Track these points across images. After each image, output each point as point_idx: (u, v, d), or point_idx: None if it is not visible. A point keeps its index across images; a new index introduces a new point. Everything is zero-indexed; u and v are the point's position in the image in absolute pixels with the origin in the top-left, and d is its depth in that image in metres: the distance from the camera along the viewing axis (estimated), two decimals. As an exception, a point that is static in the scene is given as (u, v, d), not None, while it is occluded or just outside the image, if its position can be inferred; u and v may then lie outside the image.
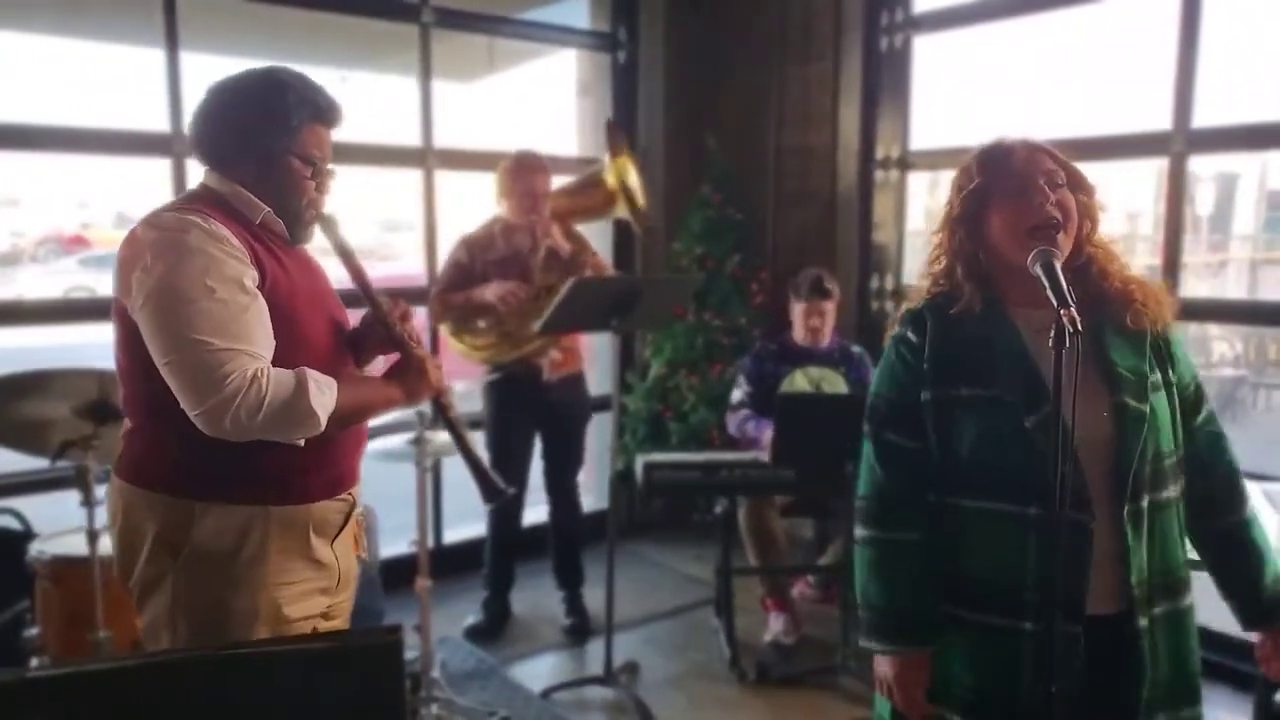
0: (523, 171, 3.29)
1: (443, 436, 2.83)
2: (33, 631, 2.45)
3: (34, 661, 2.38)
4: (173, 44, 3.24)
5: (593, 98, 4.56)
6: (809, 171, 4.31)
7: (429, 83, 3.85)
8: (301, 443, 1.57)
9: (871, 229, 4.20)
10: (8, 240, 15.12)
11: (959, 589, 1.49)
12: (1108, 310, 1.48)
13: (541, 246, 3.31)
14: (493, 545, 3.56)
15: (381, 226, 14.64)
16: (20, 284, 12.74)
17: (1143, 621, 1.43)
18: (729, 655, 3.23)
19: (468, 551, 3.86)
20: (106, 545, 1.76)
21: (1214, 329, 8.72)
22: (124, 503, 1.61)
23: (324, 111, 1.66)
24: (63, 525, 2.62)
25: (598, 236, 4.23)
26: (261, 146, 1.61)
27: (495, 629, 3.51)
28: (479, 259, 3.31)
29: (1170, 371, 1.50)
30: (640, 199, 3.52)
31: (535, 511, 3.75)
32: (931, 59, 4.13)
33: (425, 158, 3.86)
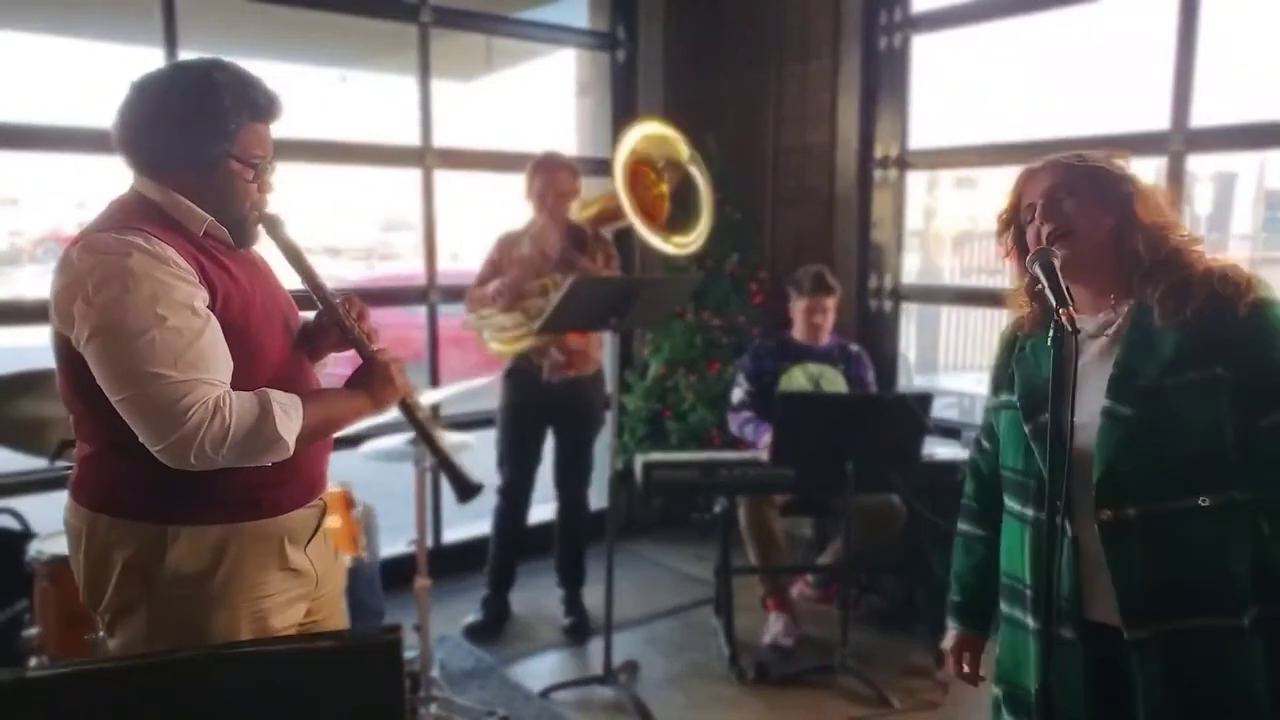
0: (539, 170, 3.32)
1: (439, 436, 2.83)
2: (31, 631, 2.44)
3: (33, 661, 2.37)
4: (171, 44, 3.23)
5: (591, 97, 4.56)
6: (807, 171, 4.32)
7: (428, 82, 3.84)
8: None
9: (870, 228, 4.20)
10: (7, 240, 15.11)
11: (1000, 585, 1.59)
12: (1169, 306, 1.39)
13: (533, 245, 3.31)
14: (496, 542, 3.56)
15: (381, 226, 14.65)
16: (19, 284, 12.73)
17: (1130, 636, 1.37)
18: (728, 654, 3.23)
19: (467, 551, 3.86)
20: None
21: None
22: (87, 529, 1.54)
23: (263, 109, 1.56)
24: (61, 525, 2.62)
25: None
26: (199, 152, 1.51)
27: (495, 628, 3.51)
28: (506, 256, 3.38)
29: (1222, 366, 1.34)
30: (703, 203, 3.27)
31: (540, 510, 3.76)
32: (930, 58, 4.13)
33: (424, 157, 3.85)
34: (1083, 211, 1.44)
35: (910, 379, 6.99)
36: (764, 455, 3.19)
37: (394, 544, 3.57)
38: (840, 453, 3.00)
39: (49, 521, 2.76)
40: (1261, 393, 1.35)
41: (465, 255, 5.81)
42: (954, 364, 7.73)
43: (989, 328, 7.83)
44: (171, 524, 1.50)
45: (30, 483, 3.04)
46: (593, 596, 3.43)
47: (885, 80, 4.11)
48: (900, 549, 3.42)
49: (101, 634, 2.25)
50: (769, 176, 4.44)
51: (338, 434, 1.67)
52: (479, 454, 3.42)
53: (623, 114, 4.39)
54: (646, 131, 3.31)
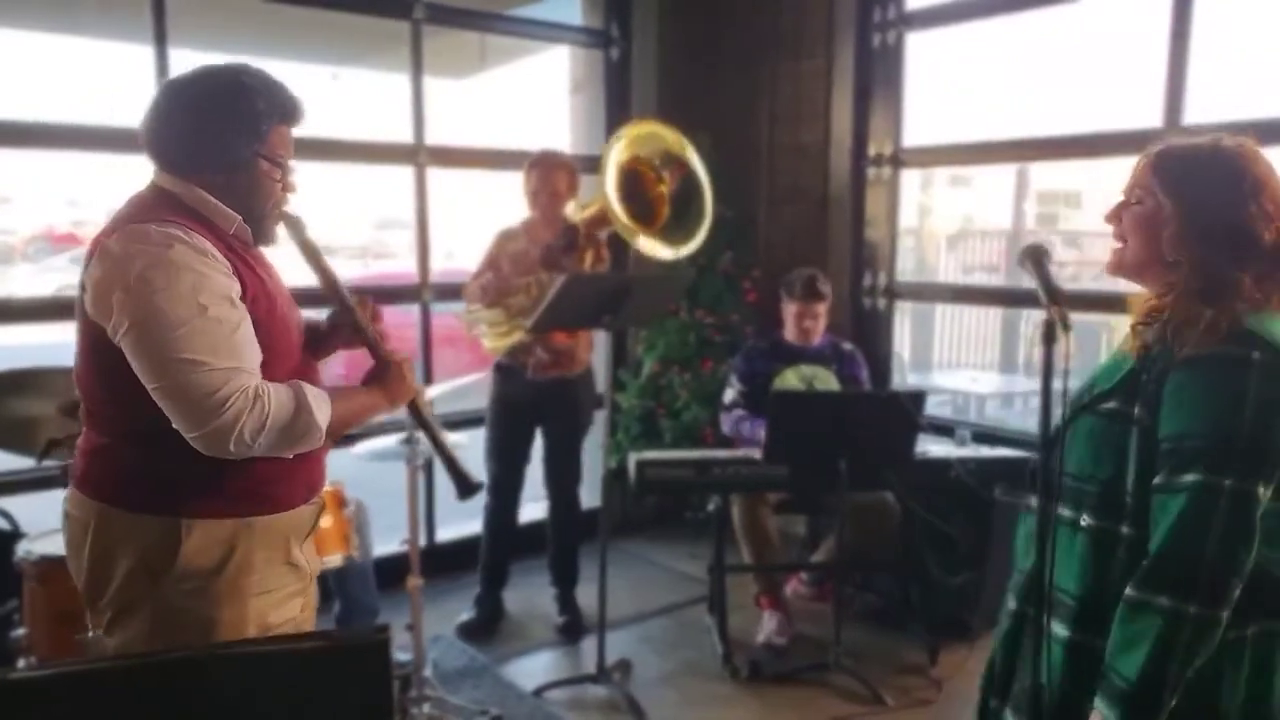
0: (535, 168, 3.32)
1: (443, 435, 2.82)
2: (20, 632, 2.44)
3: (21, 662, 2.36)
4: (161, 41, 3.22)
5: (585, 95, 4.55)
6: (801, 169, 4.31)
7: (420, 79, 3.83)
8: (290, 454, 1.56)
9: (864, 226, 4.20)
10: (-1, 238, 15.06)
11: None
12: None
13: (522, 242, 3.30)
14: (487, 539, 3.56)
15: (376, 225, 14.62)
16: (12, 283, 12.69)
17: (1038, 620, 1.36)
18: (722, 652, 3.22)
19: (461, 550, 3.85)
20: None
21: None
22: (96, 522, 1.54)
23: (290, 112, 1.62)
24: (50, 525, 2.61)
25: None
26: (231, 152, 1.56)
27: (488, 627, 3.50)
28: (501, 251, 3.37)
29: (1141, 409, 1.31)
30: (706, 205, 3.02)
31: (533, 509, 3.75)
32: (924, 56, 4.13)
33: (417, 155, 3.84)
34: (1134, 227, 1.39)
35: (904, 377, 7.00)
36: (758, 453, 3.19)
37: (388, 543, 3.56)
38: (834, 451, 3.00)
39: (37, 521, 2.75)
40: (1156, 450, 1.29)
41: (459, 254, 5.79)
42: (948, 362, 7.74)
43: (984, 326, 7.84)
44: (185, 518, 1.52)
45: (18, 482, 3.02)
46: (586, 595, 3.43)
47: (879, 78, 4.10)
48: (894, 547, 3.42)
49: (93, 633, 2.26)
50: (763, 174, 4.44)
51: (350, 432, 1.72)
52: (473, 452, 3.43)
53: (617, 112, 4.38)
54: (639, 133, 3.22)
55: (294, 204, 1.70)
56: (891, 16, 4.04)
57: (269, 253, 1.72)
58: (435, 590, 3.53)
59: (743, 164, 4.40)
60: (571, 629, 3.50)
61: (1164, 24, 3.20)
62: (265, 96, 1.57)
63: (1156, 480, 1.27)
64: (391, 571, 3.24)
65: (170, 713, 1.22)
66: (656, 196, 3.11)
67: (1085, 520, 1.35)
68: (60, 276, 12.06)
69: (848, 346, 3.67)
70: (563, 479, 3.55)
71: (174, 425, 1.45)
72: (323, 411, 1.54)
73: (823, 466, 3.03)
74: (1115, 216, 1.42)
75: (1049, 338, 1.30)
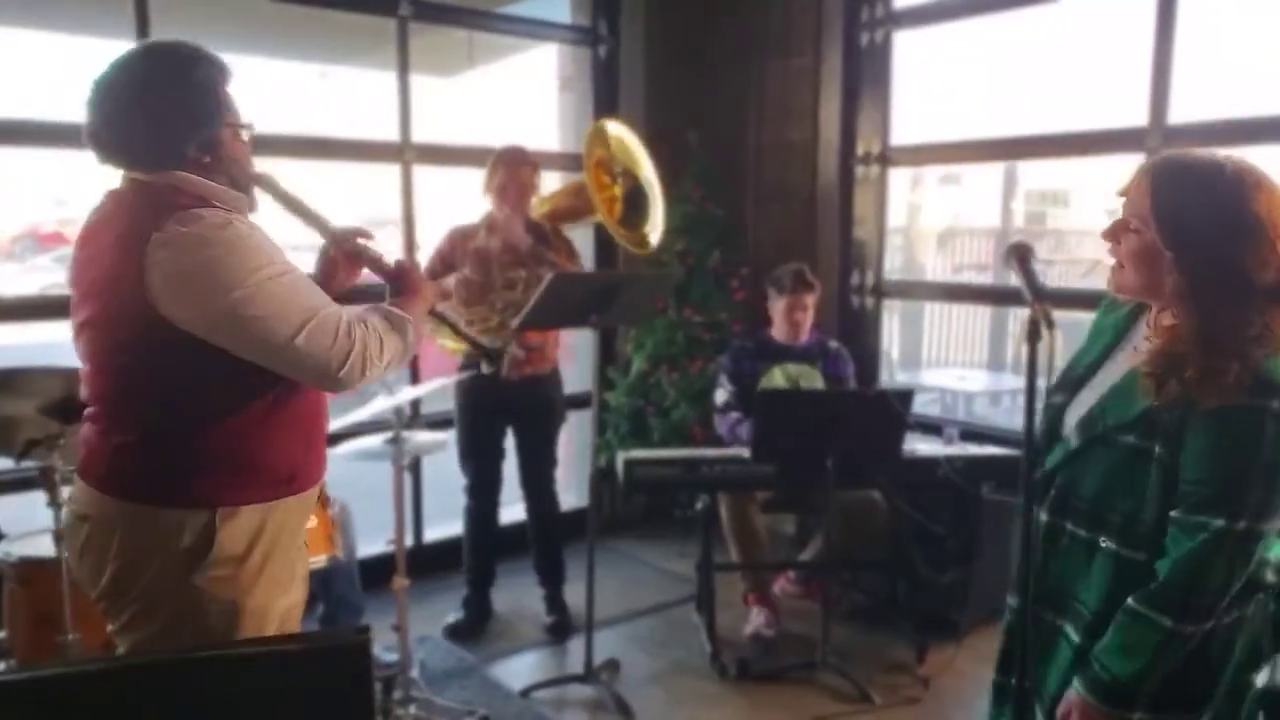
0: (502, 165, 3.29)
1: (420, 435, 2.81)
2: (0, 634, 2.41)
3: (1, 665, 2.34)
4: (144, 37, 3.19)
5: (574, 92, 4.54)
6: (789, 167, 4.31)
7: (407, 77, 3.81)
8: (301, 431, 1.61)
9: (852, 225, 4.20)
10: (-18, 236, 14.92)
11: None
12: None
13: (499, 239, 3.27)
14: (469, 544, 3.54)
15: (365, 222, 14.52)
16: (-3, 281, 12.59)
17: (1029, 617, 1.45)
18: (710, 651, 3.22)
19: (449, 550, 3.83)
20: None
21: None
22: (127, 523, 1.52)
23: (226, 68, 1.58)
24: (30, 526, 2.59)
25: (578, 231, 4.21)
26: (206, 128, 1.53)
27: (476, 627, 3.49)
28: (460, 248, 3.33)
29: (1162, 448, 1.36)
30: (655, 207, 3.27)
31: (518, 509, 3.73)
32: (912, 55, 4.13)
33: (403, 152, 3.83)
34: (1130, 259, 1.38)
35: (893, 375, 7.01)
36: (746, 453, 3.18)
37: (374, 544, 3.54)
38: (821, 449, 2.99)
39: (17, 522, 2.73)
40: (1175, 486, 1.36)
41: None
42: (937, 360, 7.75)
43: (972, 324, 7.86)
44: (221, 506, 1.53)
45: (-1, 483, 2.99)
46: (575, 594, 3.42)
47: (867, 77, 4.11)
48: (882, 545, 3.42)
49: (71, 636, 2.24)
50: (751, 173, 4.43)
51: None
52: (453, 452, 3.41)
53: (604, 109, 4.37)
54: (619, 134, 3.33)
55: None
56: (879, 15, 4.04)
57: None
58: (423, 590, 3.51)
59: (731, 162, 4.40)
60: (560, 629, 3.48)
61: (1149, 23, 3.21)
62: (207, 62, 1.54)
63: (1174, 514, 1.35)
64: (378, 572, 3.23)
65: (149, 716, 1.21)
66: (609, 198, 3.26)
67: (1105, 543, 1.42)
68: (46, 276, 11.97)
69: (834, 344, 3.67)
70: (540, 479, 3.53)
71: (307, 381, 1.53)
72: (398, 313, 1.62)
73: (810, 465, 3.03)
74: (1114, 236, 1.41)
75: (1033, 336, 1.30)
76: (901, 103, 4.12)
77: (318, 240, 1.80)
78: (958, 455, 3.32)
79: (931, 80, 5.20)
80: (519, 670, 3.21)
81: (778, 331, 3.60)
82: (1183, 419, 1.33)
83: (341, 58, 5.65)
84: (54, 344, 3.26)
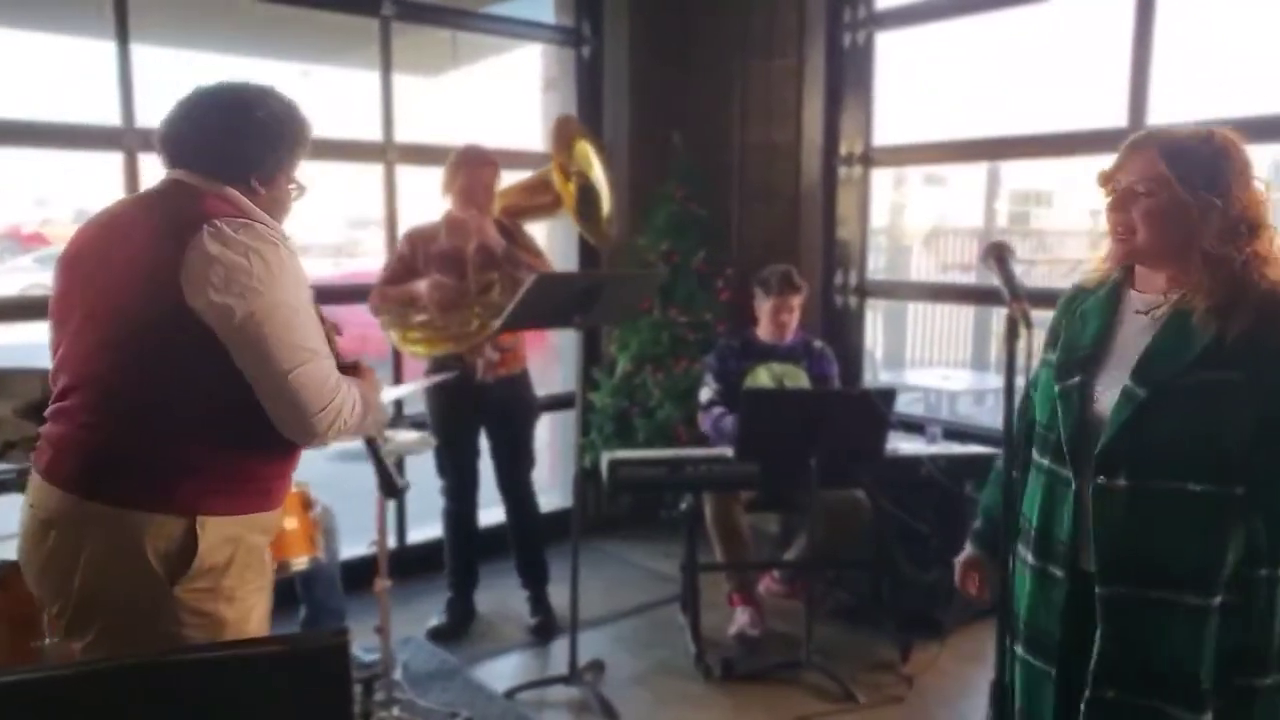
0: (464, 165, 3.26)
1: (402, 435, 2.80)
2: (-23, 639, 2.38)
3: (-22, 669, 2.32)
4: (124, 38, 3.16)
5: (557, 93, 4.53)
6: (773, 167, 4.32)
7: (389, 77, 3.80)
8: (284, 447, 1.61)
9: (835, 225, 4.22)
10: (-38, 238, 14.76)
11: (1020, 530, 1.62)
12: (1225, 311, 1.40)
13: (473, 241, 3.25)
14: (449, 547, 3.53)
15: (349, 223, 14.50)
16: (-24, 282, 12.46)
17: (1101, 592, 1.45)
18: (695, 651, 3.22)
19: (432, 552, 3.82)
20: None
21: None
22: (109, 525, 1.50)
23: (310, 138, 1.73)
24: (6, 530, 2.55)
25: (563, 229, 4.21)
26: (279, 168, 1.66)
27: (459, 629, 3.47)
28: (421, 251, 3.28)
29: (1241, 373, 1.38)
30: (604, 204, 3.43)
31: (497, 510, 3.72)
32: (895, 56, 4.15)
33: (385, 152, 3.81)
34: (1149, 219, 1.43)
35: (876, 375, 7.04)
36: (730, 452, 3.19)
37: (358, 545, 3.52)
38: (805, 449, 3.00)
39: (-7, 525, 2.69)
40: (1261, 411, 1.38)
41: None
42: (921, 360, 7.80)
43: (956, 323, 7.91)
44: (202, 515, 1.53)
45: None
46: (559, 595, 3.41)
47: (850, 77, 4.12)
48: (866, 545, 3.43)
49: (47, 641, 2.22)
50: (735, 173, 4.44)
51: None
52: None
53: (588, 110, 4.37)
54: (582, 143, 3.45)
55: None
56: (862, 16, 4.06)
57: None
58: (406, 592, 3.50)
59: (715, 163, 4.41)
60: (544, 630, 3.48)
61: (1128, 24, 3.24)
62: (303, 121, 1.70)
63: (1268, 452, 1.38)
64: (361, 574, 3.21)
65: (127, 719, 1.20)
66: (567, 194, 3.38)
67: (1194, 487, 1.40)
68: (26, 276, 11.85)
69: (818, 344, 3.69)
70: (517, 479, 3.51)
71: (280, 418, 1.52)
72: (370, 395, 1.69)
73: (794, 464, 3.04)
74: (1123, 205, 1.44)
75: (1012, 334, 1.31)
76: (884, 103, 4.14)
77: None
78: (941, 454, 3.34)
79: (914, 81, 5.22)
80: (503, 671, 3.20)
81: (763, 331, 3.61)
82: (1251, 337, 1.37)
83: (324, 57, 5.62)
84: (32, 345, 3.24)
